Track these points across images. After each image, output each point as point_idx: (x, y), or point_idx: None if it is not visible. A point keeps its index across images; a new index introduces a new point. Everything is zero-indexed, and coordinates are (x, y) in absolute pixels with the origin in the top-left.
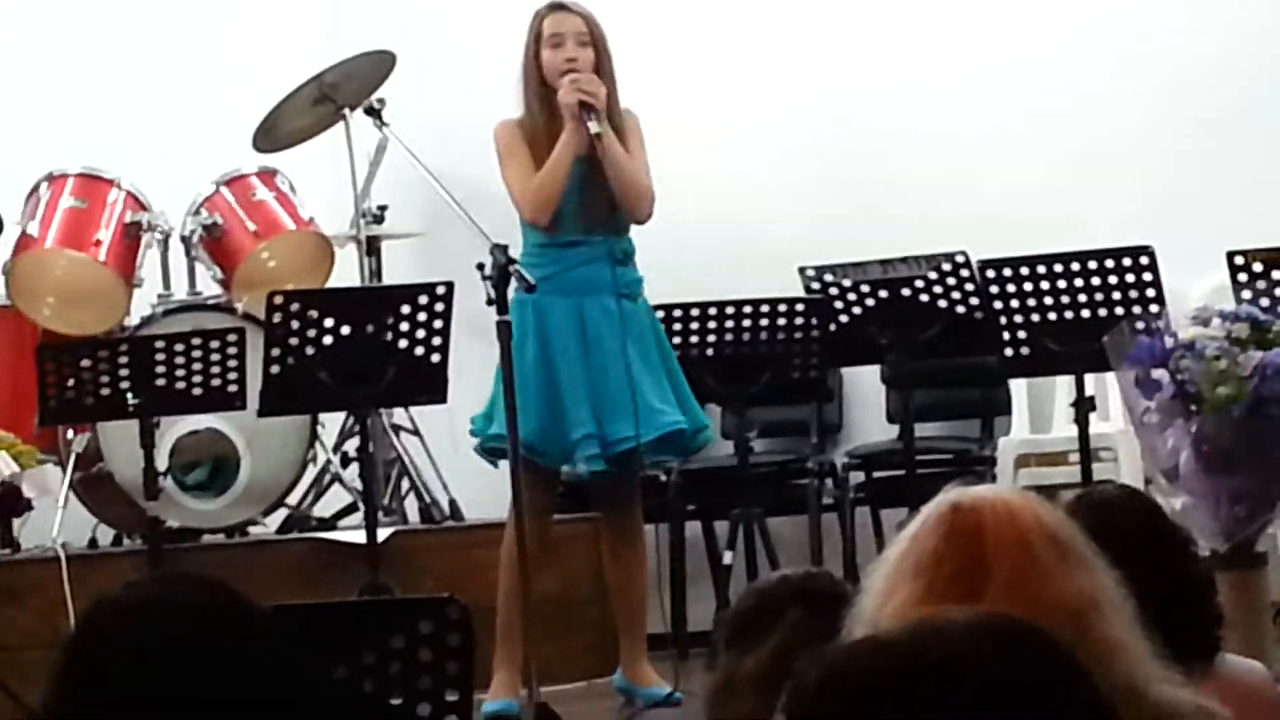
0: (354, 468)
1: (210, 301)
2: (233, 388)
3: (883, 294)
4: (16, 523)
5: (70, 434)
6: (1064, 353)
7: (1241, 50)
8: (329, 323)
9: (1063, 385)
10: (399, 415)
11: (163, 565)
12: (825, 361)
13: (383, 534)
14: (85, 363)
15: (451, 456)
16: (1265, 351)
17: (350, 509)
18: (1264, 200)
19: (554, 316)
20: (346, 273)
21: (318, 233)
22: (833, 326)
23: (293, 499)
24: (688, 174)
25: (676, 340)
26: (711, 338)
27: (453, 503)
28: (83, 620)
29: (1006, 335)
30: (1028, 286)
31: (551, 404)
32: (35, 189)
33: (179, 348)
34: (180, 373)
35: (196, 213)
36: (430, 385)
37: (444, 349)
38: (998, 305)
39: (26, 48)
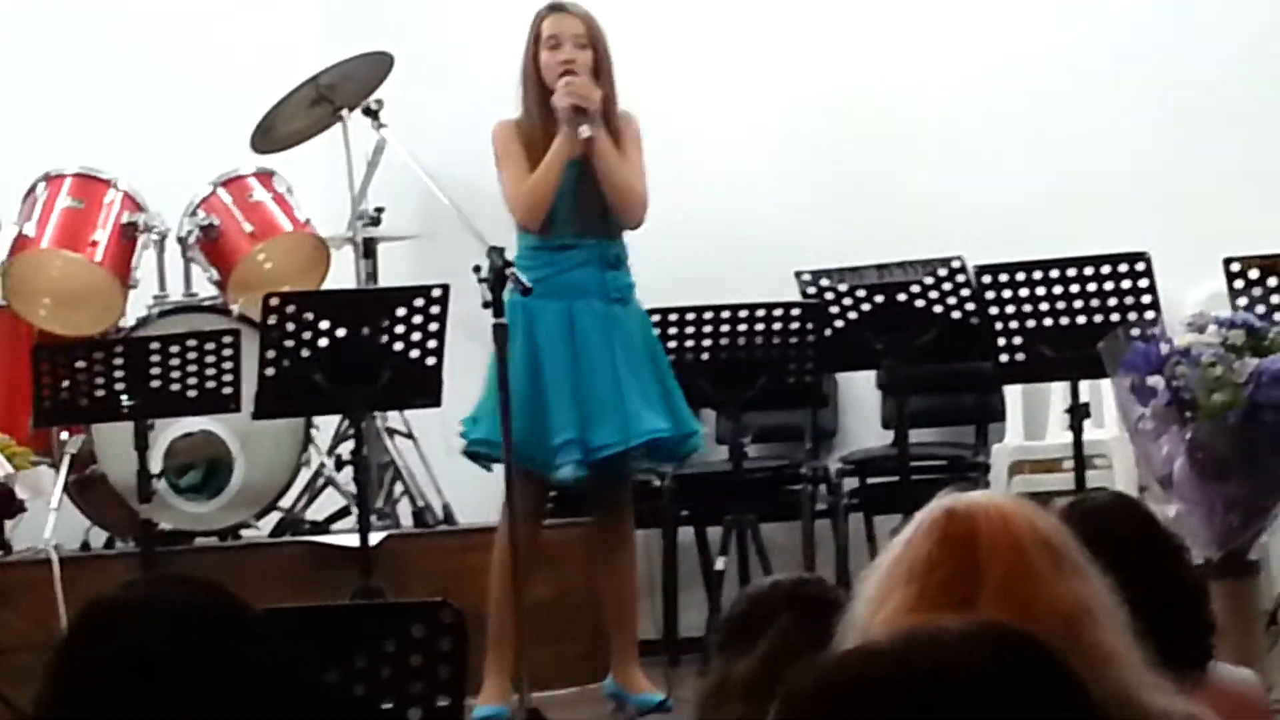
0: (348, 471)
1: (206, 303)
2: (227, 390)
3: (878, 299)
4: (9, 524)
5: (65, 435)
6: (1059, 359)
7: (1237, 57)
8: (324, 325)
9: (1058, 392)
10: (393, 418)
11: (155, 568)
12: (820, 367)
13: (376, 538)
14: (80, 364)
15: (445, 460)
16: (1261, 358)
17: (344, 512)
18: (1260, 207)
19: (544, 320)
20: (343, 275)
21: (314, 234)
22: (828, 331)
23: (286, 502)
24: (684, 177)
25: (671, 344)
26: (707, 342)
27: (446, 507)
28: (77, 620)
29: (1002, 341)
30: (1023, 292)
31: (536, 408)
32: (32, 189)
33: (174, 349)
34: (175, 374)
35: (193, 214)
36: (425, 388)
37: (439, 352)
38: (993, 311)
39: (24, 48)
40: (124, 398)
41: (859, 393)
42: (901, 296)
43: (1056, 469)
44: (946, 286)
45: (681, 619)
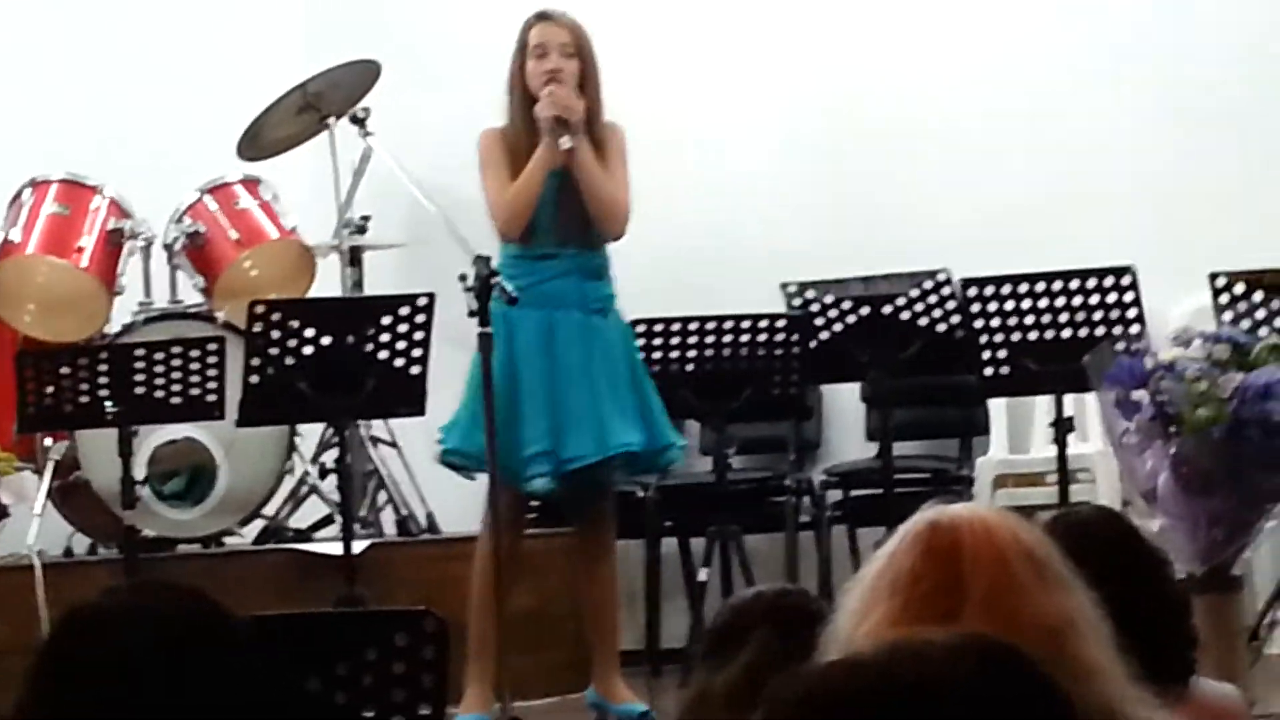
0: (332, 479)
1: (191, 310)
2: (211, 397)
3: (864, 311)
4: None
5: (49, 441)
6: (1044, 373)
7: (1223, 75)
8: (309, 333)
9: (1042, 405)
10: (377, 427)
11: (138, 574)
12: (805, 378)
13: (359, 546)
14: (65, 370)
15: (429, 469)
16: (1246, 373)
17: (327, 520)
18: (1246, 222)
19: (524, 330)
20: (328, 283)
21: (300, 242)
22: (813, 343)
23: (270, 510)
24: (670, 187)
25: (656, 355)
26: (692, 353)
27: (430, 515)
28: (59, 626)
29: (987, 354)
30: (1009, 305)
31: (510, 419)
32: (18, 195)
33: (159, 356)
34: (159, 381)
35: (179, 220)
36: (409, 397)
37: (424, 361)
38: (978, 324)
39: (12, 54)
40: (108, 404)
41: (844, 405)
42: (887, 309)
43: (1040, 483)
44: (932, 299)
45: (664, 629)
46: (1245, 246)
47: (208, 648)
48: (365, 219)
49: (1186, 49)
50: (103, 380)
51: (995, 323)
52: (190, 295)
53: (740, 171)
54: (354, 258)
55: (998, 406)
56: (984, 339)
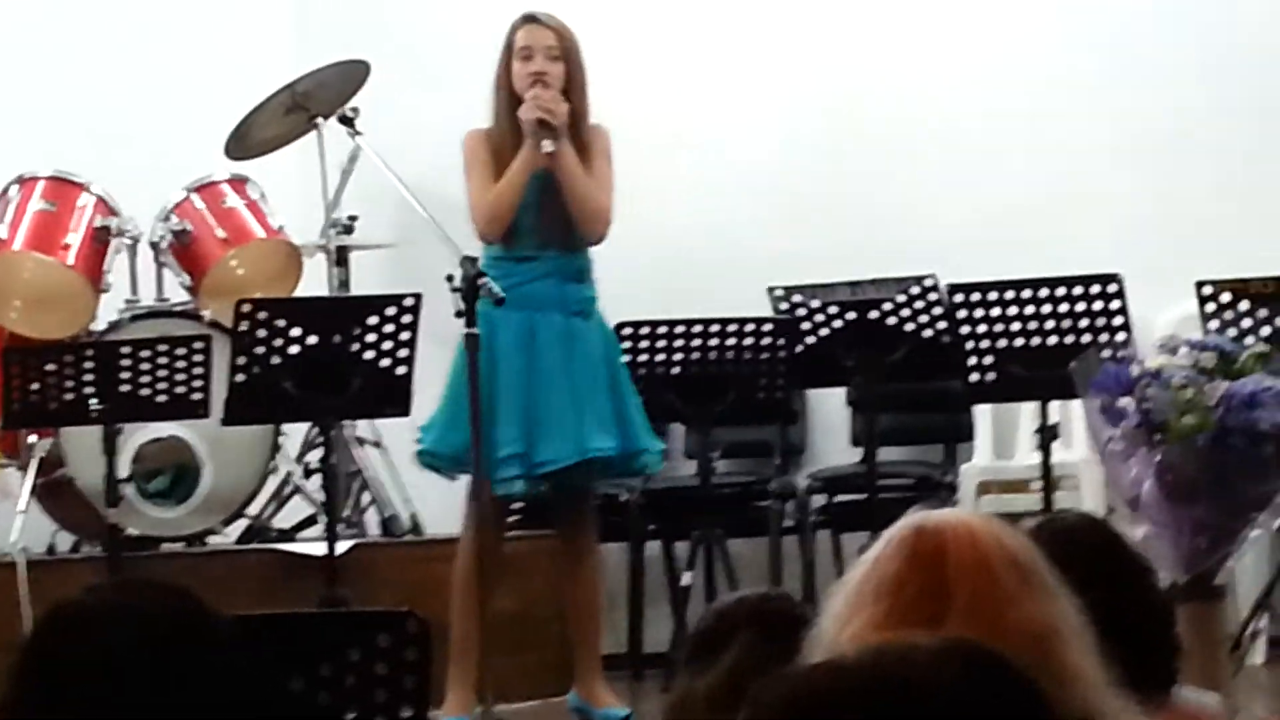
0: (316, 479)
1: (177, 308)
2: (197, 395)
3: (850, 316)
4: None
5: (33, 438)
6: (1029, 379)
7: (1210, 84)
8: (295, 332)
9: (1027, 412)
10: (362, 427)
11: (121, 572)
12: (791, 383)
13: (342, 546)
14: (50, 367)
15: (413, 470)
16: (1232, 382)
17: (311, 520)
18: (1232, 231)
19: (504, 331)
20: (315, 282)
21: (287, 242)
22: (799, 348)
23: (253, 509)
24: (656, 190)
25: (642, 358)
26: (677, 356)
27: (414, 516)
28: (42, 623)
29: (972, 360)
30: (995, 312)
31: (485, 420)
32: (5, 191)
33: (144, 354)
34: (145, 379)
35: (166, 218)
36: (395, 397)
37: (410, 361)
38: (964, 330)
39: None
40: (93, 401)
41: (829, 409)
42: (874, 314)
43: (1024, 489)
44: (919, 304)
45: (647, 633)
46: (1232, 255)
47: (191, 646)
48: (352, 219)
49: (1178, 59)
50: (88, 378)
51: (981, 329)
52: (176, 293)
53: (738, 173)
54: (340, 257)
55: (983, 413)
56: (970, 345)
